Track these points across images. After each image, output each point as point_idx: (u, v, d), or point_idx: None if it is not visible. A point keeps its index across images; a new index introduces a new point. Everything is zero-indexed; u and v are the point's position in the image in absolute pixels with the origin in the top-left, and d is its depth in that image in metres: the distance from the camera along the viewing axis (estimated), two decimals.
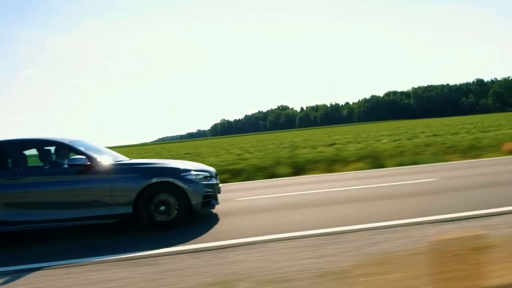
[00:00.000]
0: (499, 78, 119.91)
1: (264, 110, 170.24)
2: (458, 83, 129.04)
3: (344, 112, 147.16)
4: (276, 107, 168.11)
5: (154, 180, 4.63)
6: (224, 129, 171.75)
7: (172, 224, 4.65)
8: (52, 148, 5.15)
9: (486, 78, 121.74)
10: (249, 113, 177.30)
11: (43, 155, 5.07)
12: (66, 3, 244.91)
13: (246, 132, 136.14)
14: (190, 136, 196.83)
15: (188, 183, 4.69)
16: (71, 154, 4.91)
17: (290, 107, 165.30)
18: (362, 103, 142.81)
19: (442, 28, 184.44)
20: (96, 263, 3.72)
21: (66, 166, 4.76)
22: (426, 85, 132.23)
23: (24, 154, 5.03)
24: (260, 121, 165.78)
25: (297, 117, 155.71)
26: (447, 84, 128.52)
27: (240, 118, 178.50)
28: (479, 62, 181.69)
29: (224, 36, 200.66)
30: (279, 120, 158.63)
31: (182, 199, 4.65)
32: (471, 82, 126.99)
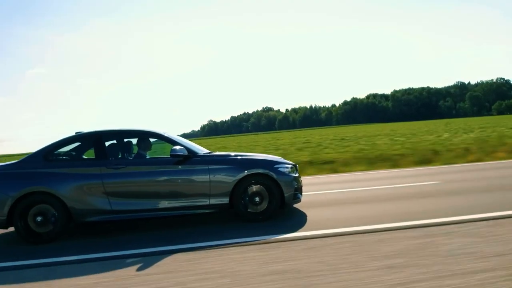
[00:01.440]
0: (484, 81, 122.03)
1: (250, 112, 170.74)
2: (439, 87, 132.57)
3: (323, 115, 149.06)
4: (261, 108, 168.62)
5: (250, 171, 4.65)
6: (211, 130, 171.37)
7: (266, 215, 4.69)
8: (134, 140, 5.14)
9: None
10: (235, 115, 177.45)
11: (140, 144, 5.02)
12: (73, 3, 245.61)
13: (231, 133, 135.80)
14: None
15: (281, 175, 4.72)
16: (164, 145, 5.00)
17: (276, 109, 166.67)
18: (341, 106, 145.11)
19: (449, 28, 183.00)
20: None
21: (163, 156, 4.82)
22: (406, 87, 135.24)
23: (126, 144, 5.13)
24: (244, 123, 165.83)
25: (277, 119, 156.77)
26: (427, 87, 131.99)
27: (226, 120, 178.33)
28: (486, 62, 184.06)
29: (223, 36, 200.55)
30: (261, 122, 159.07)
31: (275, 191, 4.67)
32: (451, 85, 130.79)
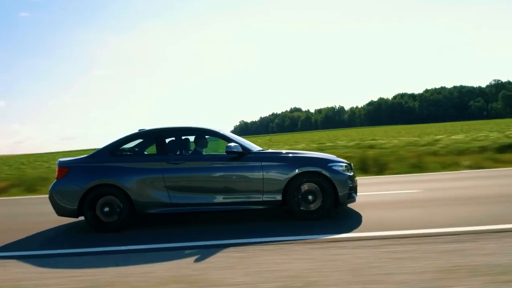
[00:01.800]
0: None
1: (278, 112, 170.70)
2: (474, 85, 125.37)
3: (346, 116, 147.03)
4: (289, 109, 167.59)
5: (304, 169, 4.69)
6: (242, 130, 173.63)
7: (319, 214, 4.70)
8: (191, 137, 5.43)
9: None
10: (264, 115, 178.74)
11: (197, 141, 5.31)
12: (125, 7, 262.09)
13: (259, 134, 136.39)
14: None
15: (335, 173, 4.70)
16: (218, 142, 5.23)
17: (304, 110, 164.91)
18: (365, 107, 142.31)
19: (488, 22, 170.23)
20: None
21: (219, 153, 5.05)
22: (439, 86, 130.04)
23: (184, 140, 5.39)
24: (270, 123, 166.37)
25: (299, 120, 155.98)
26: (460, 86, 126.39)
27: (255, 120, 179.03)
28: None
29: (262, 37, 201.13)
30: (285, 122, 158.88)
31: (329, 190, 4.67)
32: (487, 84, 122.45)
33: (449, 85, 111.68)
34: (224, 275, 3.07)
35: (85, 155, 5.20)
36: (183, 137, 5.41)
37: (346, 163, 5.02)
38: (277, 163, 4.73)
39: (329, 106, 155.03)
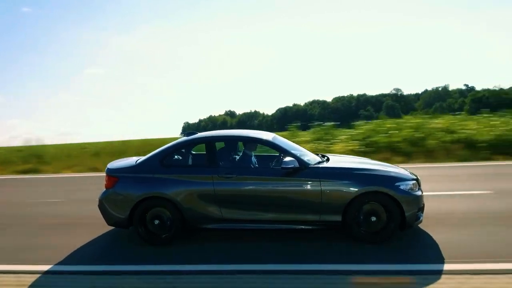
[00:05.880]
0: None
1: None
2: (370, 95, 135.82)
3: (257, 121, 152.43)
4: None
5: (368, 188, 4.30)
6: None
7: (383, 236, 4.35)
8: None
9: None
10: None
11: (245, 144, 5.11)
12: (130, 6, 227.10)
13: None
14: None
15: (403, 193, 4.30)
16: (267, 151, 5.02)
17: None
18: (275, 113, 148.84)
19: None
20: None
21: (273, 167, 4.90)
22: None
23: (234, 146, 5.31)
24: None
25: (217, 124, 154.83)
26: (360, 94, 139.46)
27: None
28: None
29: (277, 39, 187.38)
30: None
31: (395, 211, 4.29)
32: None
33: (355, 93, 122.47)
34: None
35: (134, 162, 4.99)
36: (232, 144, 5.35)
37: (415, 179, 4.58)
38: (338, 181, 4.36)
39: (246, 111, 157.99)
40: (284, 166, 4.43)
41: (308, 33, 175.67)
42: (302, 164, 4.49)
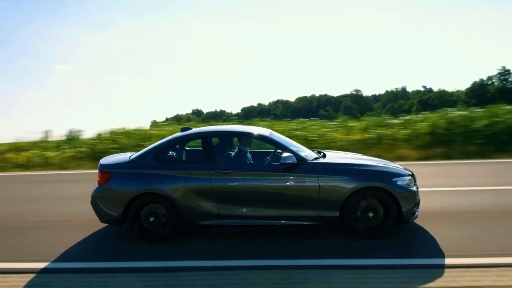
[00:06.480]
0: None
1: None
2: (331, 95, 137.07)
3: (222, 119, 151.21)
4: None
5: (366, 184, 4.32)
6: None
7: (381, 232, 4.38)
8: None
9: None
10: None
11: (240, 140, 5.07)
12: (104, 3, 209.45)
13: None
14: None
15: (400, 188, 4.34)
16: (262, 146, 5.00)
17: None
18: (239, 112, 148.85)
19: None
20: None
21: (271, 163, 4.90)
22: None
23: (230, 142, 5.21)
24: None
25: None
26: (322, 95, 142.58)
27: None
28: None
29: (260, 37, 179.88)
30: None
31: (392, 206, 4.32)
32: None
33: (318, 93, 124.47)
34: None
35: (127, 158, 4.83)
36: (227, 139, 5.28)
37: (410, 175, 4.61)
38: (336, 176, 4.37)
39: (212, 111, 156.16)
40: (282, 161, 4.40)
41: (277, 34, 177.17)
42: (300, 159, 4.48)
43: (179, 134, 4.99)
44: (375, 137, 12.22)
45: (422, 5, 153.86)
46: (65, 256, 4.30)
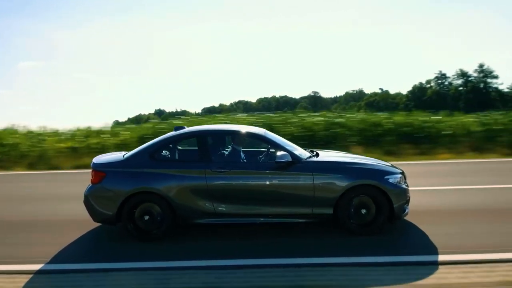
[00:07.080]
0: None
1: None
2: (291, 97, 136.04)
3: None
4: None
5: (359, 182, 4.43)
6: None
7: (373, 229, 4.49)
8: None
9: None
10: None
11: (234, 139, 5.08)
12: (77, 1, 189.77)
13: None
14: None
15: (391, 186, 4.46)
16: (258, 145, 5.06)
17: None
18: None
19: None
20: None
21: (266, 162, 4.89)
22: None
23: (224, 140, 5.21)
24: None
25: None
26: (281, 96, 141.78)
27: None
28: None
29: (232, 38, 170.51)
30: None
31: (384, 203, 4.44)
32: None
33: (278, 94, 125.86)
34: None
35: (121, 157, 4.73)
36: (221, 138, 5.28)
37: (401, 173, 4.74)
38: (330, 175, 4.46)
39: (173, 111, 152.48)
40: (278, 160, 4.47)
41: (239, 34, 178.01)
42: (295, 158, 4.54)
43: (174, 132, 4.96)
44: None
45: (384, 7, 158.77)
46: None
